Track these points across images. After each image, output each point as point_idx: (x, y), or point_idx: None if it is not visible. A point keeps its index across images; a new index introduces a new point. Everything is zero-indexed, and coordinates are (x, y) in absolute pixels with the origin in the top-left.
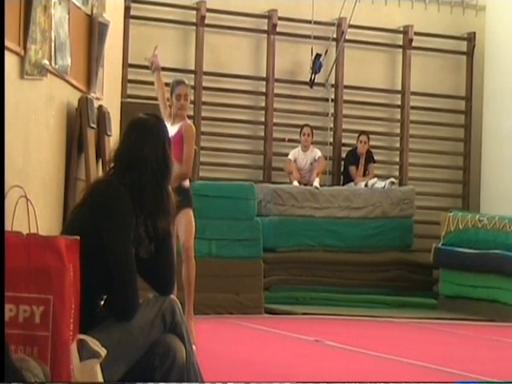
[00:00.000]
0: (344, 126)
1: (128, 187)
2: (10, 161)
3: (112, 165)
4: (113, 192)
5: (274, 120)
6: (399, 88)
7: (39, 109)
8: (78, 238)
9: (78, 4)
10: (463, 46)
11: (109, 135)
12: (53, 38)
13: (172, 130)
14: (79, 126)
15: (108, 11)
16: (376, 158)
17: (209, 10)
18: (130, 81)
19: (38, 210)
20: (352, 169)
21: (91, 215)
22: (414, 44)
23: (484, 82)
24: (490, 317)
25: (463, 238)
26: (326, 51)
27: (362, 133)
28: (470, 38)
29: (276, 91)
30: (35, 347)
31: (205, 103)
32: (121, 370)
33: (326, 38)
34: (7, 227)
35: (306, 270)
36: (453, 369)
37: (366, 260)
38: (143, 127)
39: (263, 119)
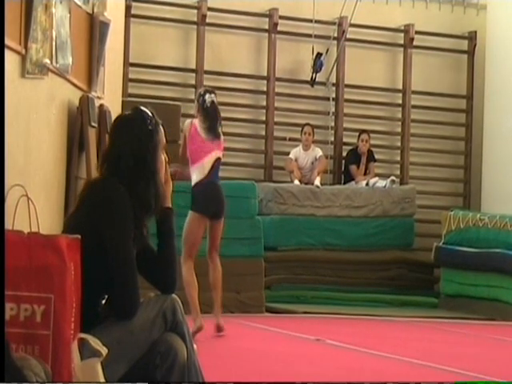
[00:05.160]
0: (345, 125)
1: (125, 186)
2: (10, 160)
3: (105, 166)
4: (111, 191)
5: (275, 119)
6: (400, 87)
7: (40, 108)
8: (79, 236)
9: (79, 3)
10: (464, 44)
11: None
12: (54, 37)
13: None
14: (80, 124)
15: (109, 10)
16: (377, 156)
17: (210, 9)
18: (131, 80)
19: (38, 209)
20: (353, 168)
21: (91, 215)
22: (414, 43)
23: (485, 81)
24: (491, 315)
25: (464, 237)
26: (327, 50)
27: (362, 131)
28: (471, 37)
29: (277, 90)
30: (36, 346)
31: None
32: (122, 368)
33: (327, 37)
34: (8, 226)
35: (306, 269)
36: (453, 367)
37: (366, 259)
38: (121, 123)
39: (264, 118)
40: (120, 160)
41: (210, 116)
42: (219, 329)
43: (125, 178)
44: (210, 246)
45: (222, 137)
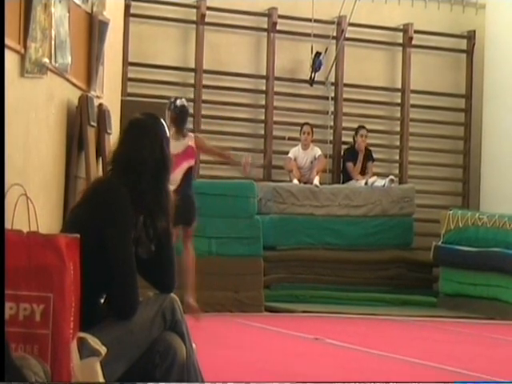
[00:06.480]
0: (344, 124)
1: (128, 188)
2: (10, 159)
3: (110, 167)
4: (114, 192)
5: (274, 118)
6: (399, 86)
7: (39, 107)
8: (78, 236)
9: (78, 2)
10: (463, 44)
11: (109, 133)
12: (53, 37)
13: None
14: (79, 124)
15: (108, 9)
16: (376, 155)
17: (209, 8)
18: (130, 79)
19: (38, 209)
20: (349, 165)
21: (92, 214)
22: (413, 42)
23: (484, 80)
24: (490, 315)
25: (463, 236)
26: (326, 49)
27: (360, 127)
28: (470, 36)
29: (276, 89)
30: (35, 345)
31: (205, 101)
32: (121, 368)
33: (326, 36)
34: (7, 225)
35: (306, 268)
36: (452, 367)
37: (366, 258)
38: (140, 128)
39: (263, 117)
40: (129, 164)
41: (180, 118)
42: (192, 309)
43: (130, 181)
44: (183, 235)
45: (193, 145)
